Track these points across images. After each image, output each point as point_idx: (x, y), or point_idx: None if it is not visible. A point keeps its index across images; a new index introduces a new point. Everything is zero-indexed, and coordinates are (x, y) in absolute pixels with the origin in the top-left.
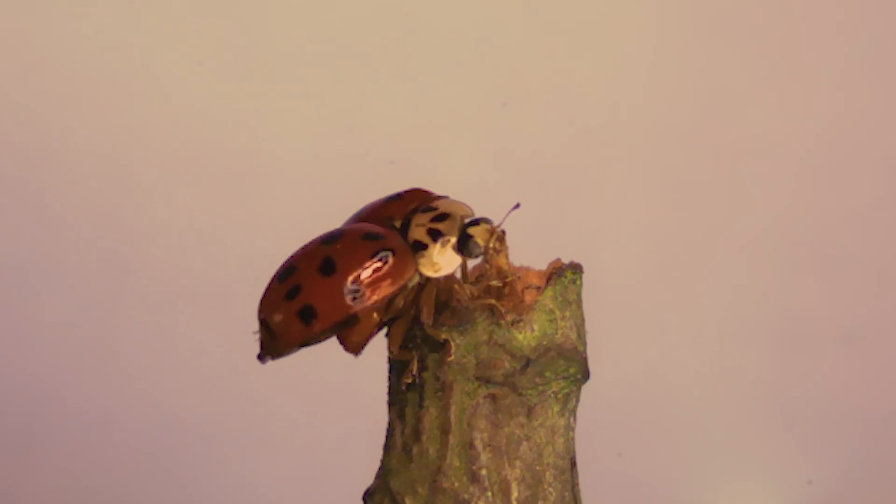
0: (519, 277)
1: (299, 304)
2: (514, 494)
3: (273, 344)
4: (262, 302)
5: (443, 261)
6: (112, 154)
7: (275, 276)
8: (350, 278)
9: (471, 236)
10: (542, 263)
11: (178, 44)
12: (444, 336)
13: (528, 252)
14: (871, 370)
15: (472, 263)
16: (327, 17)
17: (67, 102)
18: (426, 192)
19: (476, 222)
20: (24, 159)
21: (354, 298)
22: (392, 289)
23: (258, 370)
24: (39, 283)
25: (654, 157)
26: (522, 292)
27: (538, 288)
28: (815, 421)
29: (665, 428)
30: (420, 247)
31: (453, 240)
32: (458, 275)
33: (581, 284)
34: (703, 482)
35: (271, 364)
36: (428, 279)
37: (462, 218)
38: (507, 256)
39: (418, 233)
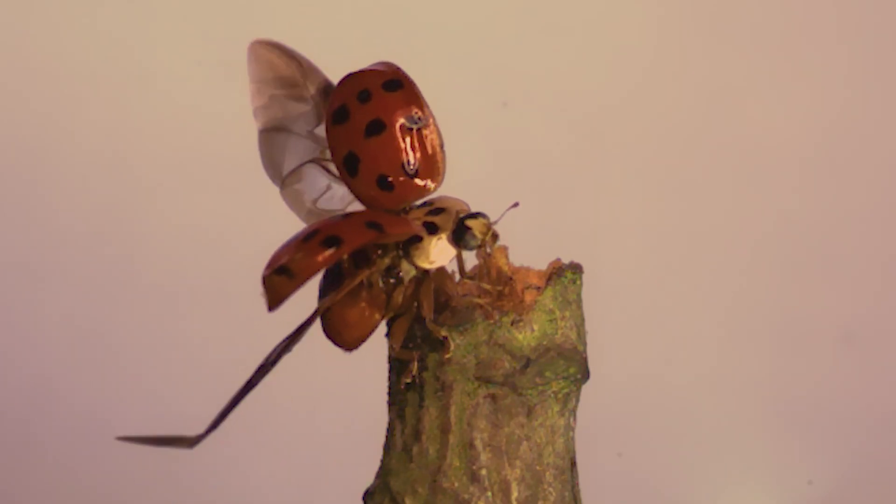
0: (511, 278)
1: (323, 236)
2: (514, 494)
3: (289, 284)
4: (274, 257)
5: (437, 253)
6: (112, 154)
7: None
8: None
9: (469, 228)
10: (542, 263)
11: (178, 44)
12: (443, 333)
13: (528, 252)
14: (871, 370)
15: (469, 263)
16: (327, 17)
17: (67, 102)
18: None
19: (474, 216)
20: (24, 159)
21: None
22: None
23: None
24: (39, 282)
25: (655, 158)
26: (522, 292)
27: (538, 288)
28: (815, 421)
29: (665, 428)
30: (415, 239)
31: (448, 233)
32: (456, 270)
33: (581, 284)
34: (703, 482)
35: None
36: (426, 273)
37: (458, 213)
38: (507, 257)
39: (419, 228)
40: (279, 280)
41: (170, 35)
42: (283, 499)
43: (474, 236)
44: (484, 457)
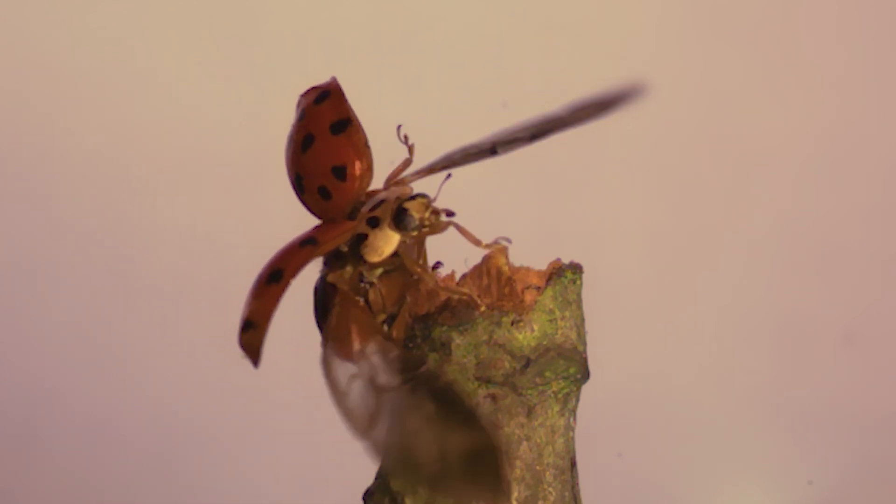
0: (511, 278)
1: (266, 274)
2: (514, 494)
3: (256, 335)
4: (243, 310)
5: (382, 243)
6: (112, 154)
7: None
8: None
9: (406, 210)
10: (542, 263)
11: (178, 44)
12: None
13: (528, 252)
14: (871, 370)
15: (465, 262)
16: (327, 17)
17: (67, 102)
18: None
19: (412, 197)
20: (25, 159)
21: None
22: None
23: (258, 370)
24: (40, 282)
25: (655, 157)
26: (522, 292)
27: (538, 288)
28: (815, 421)
29: (665, 428)
30: (361, 238)
31: (388, 219)
32: (445, 267)
33: (581, 284)
34: (703, 482)
35: (272, 363)
36: (395, 267)
37: (397, 199)
38: (507, 257)
39: (360, 226)
40: (248, 336)
41: (170, 35)
42: (283, 499)
43: (412, 217)
44: None
